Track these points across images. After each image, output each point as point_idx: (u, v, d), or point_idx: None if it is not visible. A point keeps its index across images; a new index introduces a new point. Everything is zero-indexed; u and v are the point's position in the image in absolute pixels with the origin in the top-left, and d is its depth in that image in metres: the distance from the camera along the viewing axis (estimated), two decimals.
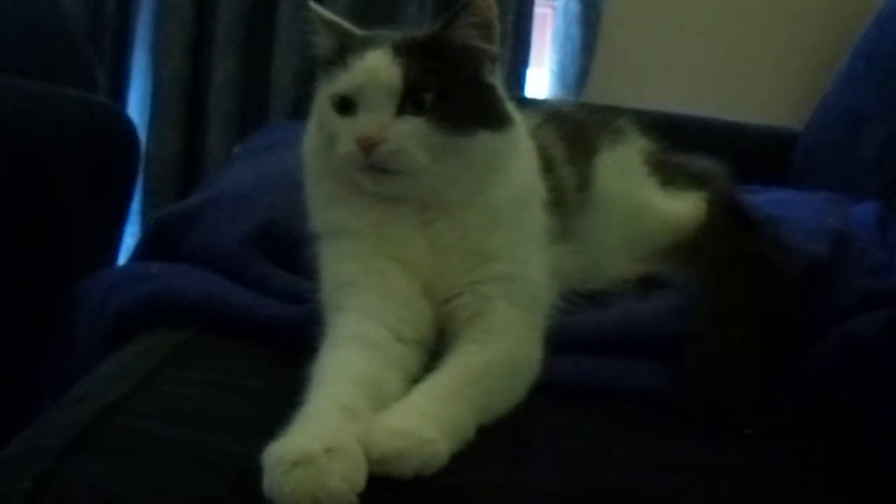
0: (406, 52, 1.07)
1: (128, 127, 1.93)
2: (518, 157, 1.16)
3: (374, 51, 1.08)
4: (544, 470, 0.94)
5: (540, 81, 2.73)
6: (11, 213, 1.65)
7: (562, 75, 2.65)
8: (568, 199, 1.25)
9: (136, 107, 2.59)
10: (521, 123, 1.17)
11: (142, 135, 2.32)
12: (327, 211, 1.15)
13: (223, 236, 1.31)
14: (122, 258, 2.03)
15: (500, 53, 1.13)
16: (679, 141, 1.52)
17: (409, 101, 1.06)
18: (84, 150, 1.78)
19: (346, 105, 1.08)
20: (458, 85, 1.09)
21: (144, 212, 2.54)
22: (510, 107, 1.15)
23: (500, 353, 1.04)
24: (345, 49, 1.11)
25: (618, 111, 1.55)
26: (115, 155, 1.87)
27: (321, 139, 1.13)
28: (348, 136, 1.06)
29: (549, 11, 2.73)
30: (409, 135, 1.05)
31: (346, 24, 1.16)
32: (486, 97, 1.12)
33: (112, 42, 2.54)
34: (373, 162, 1.05)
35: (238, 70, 2.56)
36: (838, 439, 1.06)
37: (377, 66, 1.06)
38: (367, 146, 1.04)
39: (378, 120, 1.05)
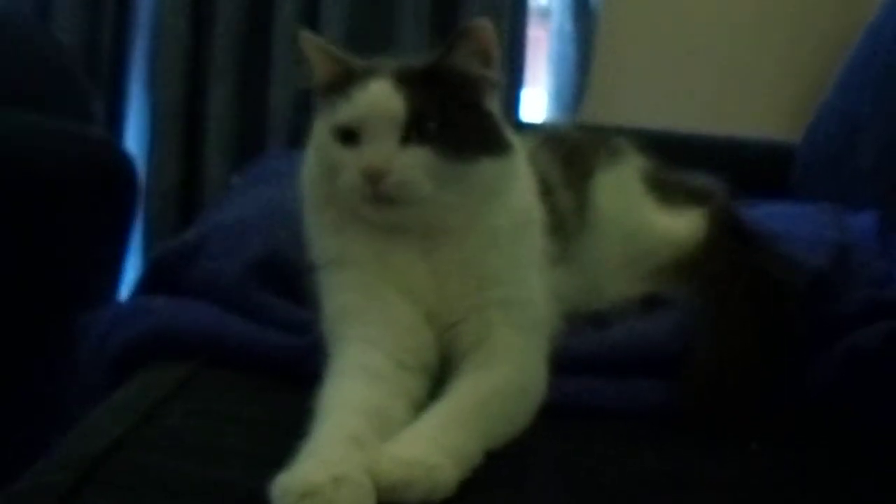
0: (408, 81, 1.07)
1: (125, 160, 1.93)
2: (518, 181, 1.16)
3: (376, 80, 1.08)
4: (549, 492, 0.94)
5: (536, 103, 2.74)
6: (9, 249, 1.65)
7: (558, 96, 2.66)
8: (566, 220, 1.26)
9: (135, 137, 2.60)
10: (520, 148, 1.18)
11: (141, 165, 2.33)
12: (327, 240, 1.15)
13: (224, 268, 1.31)
14: (124, 292, 2.03)
15: (500, 79, 1.13)
16: (676, 158, 1.52)
17: (413, 130, 1.06)
18: (82, 185, 1.78)
19: (347, 135, 1.08)
20: (460, 113, 1.09)
21: (146, 243, 2.55)
22: (508, 132, 1.15)
23: (505, 379, 1.04)
24: (344, 78, 1.11)
25: (614, 131, 1.55)
26: (113, 189, 1.87)
27: (321, 169, 1.12)
28: (353, 167, 1.06)
29: (543, 33, 2.74)
30: (415, 165, 1.05)
31: (342, 52, 1.15)
32: (487, 124, 1.12)
33: (108, 73, 2.56)
34: (379, 193, 1.05)
35: (235, 98, 2.58)
36: (841, 451, 1.06)
37: (380, 96, 1.06)
38: (374, 177, 1.04)
39: (383, 151, 1.05)
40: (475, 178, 1.09)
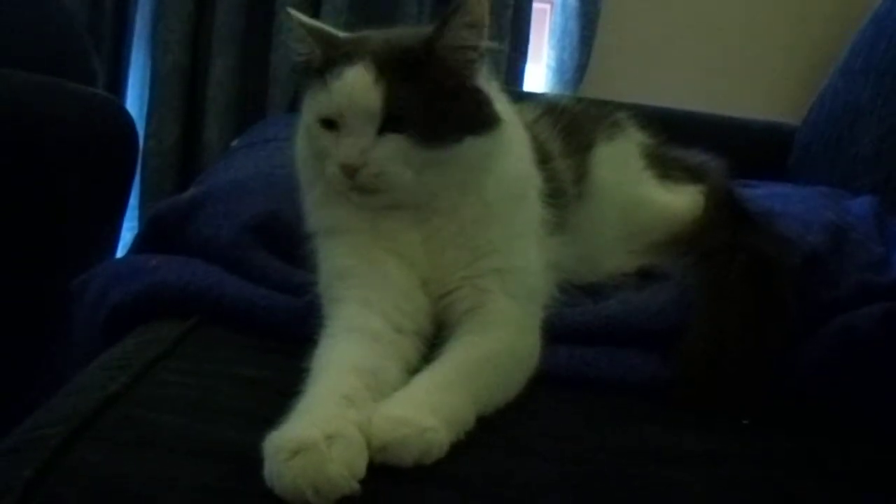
0: (389, 67, 1.05)
1: (126, 119, 1.93)
2: (507, 154, 1.15)
3: (353, 67, 1.06)
4: (543, 458, 0.94)
5: (538, 76, 2.73)
6: (10, 206, 1.65)
7: (560, 70, 2.66)
8: (565, 191, 1.26)
9: (135, 100, 2.60)
10: (511, 121, 1.16)
11: (140, 128, 2.32)
12: (322, 211, 1.15)
13: (222, 228, 1.31)
14: (121, 251, 2.03)
15: (491, 49, 1.10)
16: (677, 135, 1.53)
17: (391, 120, 1.05)
18: (83, 143, 1.78)
19: (330, 123, 1.08)
20: (444, 95, 1.07)
21: (143, 205, 2.55)
22: (499, 105, 1.14)
23: (499, 344, 1.05)
24: (327, 59, 1.10)
25: (616, 105, 1.55)
26: (114, 147, 1.87)
27: (310, 150, 1.13)
28: (333, 157, 1.07)
29: (547, 7, 2.73)
30: (390, 155, 1.05)
31: (328, 29, 1.14)
32: (473, 102, 1.10)
33: (111, 35, 2.55)
34: (357, 184, 1.06)
35: (236, 63, 2.57)
36: (834, 429, 1.07)
37: (356, 88, 1.05)
38: (349, 172, 1.05)
39: (358, 144, 1.05)
40: (459, 159, 1.08)
